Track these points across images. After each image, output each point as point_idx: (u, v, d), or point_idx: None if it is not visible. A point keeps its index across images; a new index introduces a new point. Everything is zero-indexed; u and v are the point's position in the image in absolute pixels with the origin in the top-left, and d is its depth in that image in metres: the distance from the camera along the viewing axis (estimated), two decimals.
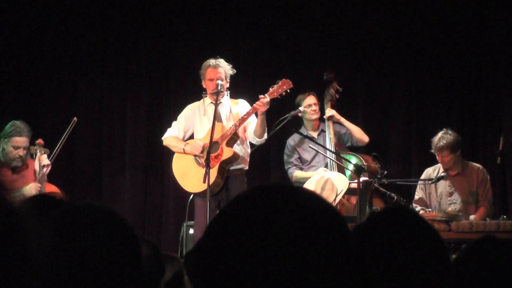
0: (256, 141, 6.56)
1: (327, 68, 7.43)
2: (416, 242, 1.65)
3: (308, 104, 7.10)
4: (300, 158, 7.10)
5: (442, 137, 6.70)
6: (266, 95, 6.38)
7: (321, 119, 7.22)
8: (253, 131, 6.49)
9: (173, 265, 3.21)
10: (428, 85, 7.75)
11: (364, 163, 6.75)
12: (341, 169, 6.75)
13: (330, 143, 7.03)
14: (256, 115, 6.40)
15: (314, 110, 7.12)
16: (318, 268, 1.11)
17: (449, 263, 1.65)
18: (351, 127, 7.12)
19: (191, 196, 6.64)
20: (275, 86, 6.46)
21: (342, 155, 6.85)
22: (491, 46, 7.58)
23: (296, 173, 7.03)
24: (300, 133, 6.82)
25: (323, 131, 7.18)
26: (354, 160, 6.79)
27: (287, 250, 1.10)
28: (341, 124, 7.15)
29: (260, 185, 1.20)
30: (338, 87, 7.24)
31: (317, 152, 6.85)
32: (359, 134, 7.11)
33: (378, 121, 7.80)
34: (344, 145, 7.14)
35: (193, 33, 7.97)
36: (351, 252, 1.16)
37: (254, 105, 6.36)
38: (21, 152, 6.46)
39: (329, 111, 7.16)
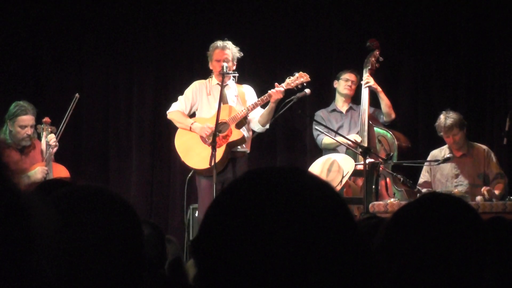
0: (258, 128, 6.58)
1: (328, 51, 7.40)
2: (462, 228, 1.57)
3: (346, 79, 7.10)
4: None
5: (446, 117, 6.66)
6: (282, 84, 6.39)
7: (353, 100, 7.17)
8: (258, 117, 6.50)
9: (170, 248, 3.25)
10: (434, 66, 7.72)
11: (396, 142, 6.75)
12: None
13: (363, 114, 6.93)
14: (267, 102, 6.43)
15: (350, 86, 7.10)
16: (320, 257, 1.08)
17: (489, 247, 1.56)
18: (384, 99, 7.03)
19: (190, 174, 6.63)
20: (292, 77, 6.47)
21: (375, 129, 6.85)
22: (499, 26, 7.54)
23: (325, 140, 6.97)
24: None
25: (352, 109, 7.14)
26: (385, 134, 6.84)
27: (284, 238, 1.07)
28: (377, 92, 7.03)
29: (256, 169, 1.18)
30: (380, 57, 7.10)
31: (342, 124, 6.99)
32: (388, 109, 7.05)
33: None
34: (377, 119, 7.10)
35: (200, 11, 7.92)
36: (352, 235, 1.12)
37: (270, 92, 6.38)
38: (29, 131, 6.38)
39: (367, 78, 7.02)
